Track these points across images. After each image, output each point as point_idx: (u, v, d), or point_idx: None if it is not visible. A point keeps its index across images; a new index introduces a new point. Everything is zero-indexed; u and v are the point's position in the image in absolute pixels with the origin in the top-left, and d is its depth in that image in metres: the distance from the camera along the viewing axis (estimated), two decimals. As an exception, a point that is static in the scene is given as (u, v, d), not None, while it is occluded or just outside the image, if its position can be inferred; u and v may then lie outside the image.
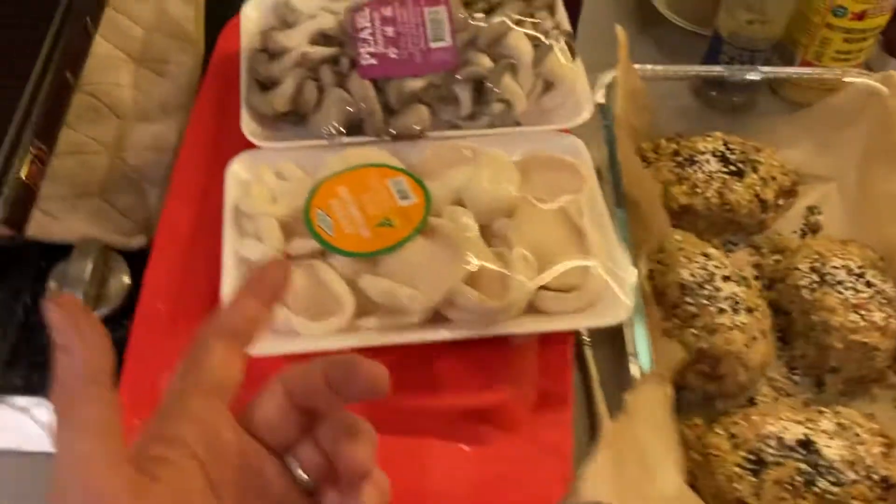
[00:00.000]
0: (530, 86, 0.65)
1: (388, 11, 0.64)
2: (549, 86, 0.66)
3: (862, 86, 0.70)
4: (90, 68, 0.66)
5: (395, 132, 0.62)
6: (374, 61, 0.63)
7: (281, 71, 0.65)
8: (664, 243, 0.62)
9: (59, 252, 0.63)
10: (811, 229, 0.72)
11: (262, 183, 0.60)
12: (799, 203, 0.72)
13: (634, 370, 0.56)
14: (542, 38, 0.64)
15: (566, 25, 0.67)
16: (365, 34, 0.63)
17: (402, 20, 0.63)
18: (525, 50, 0.64)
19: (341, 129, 0.62)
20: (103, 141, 0.66)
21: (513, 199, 0.58)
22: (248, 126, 0.62)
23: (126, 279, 0.62)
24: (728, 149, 0.70)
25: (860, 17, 0.71)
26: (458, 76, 0.63)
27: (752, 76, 0.71)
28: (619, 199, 0.62)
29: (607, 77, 0.70)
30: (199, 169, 0.66)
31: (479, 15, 0.65)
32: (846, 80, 0.70)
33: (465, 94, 0.64)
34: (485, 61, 0.63)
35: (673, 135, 0.75)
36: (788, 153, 0.74)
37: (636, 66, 0.70)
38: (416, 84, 0.63)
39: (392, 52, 0.63)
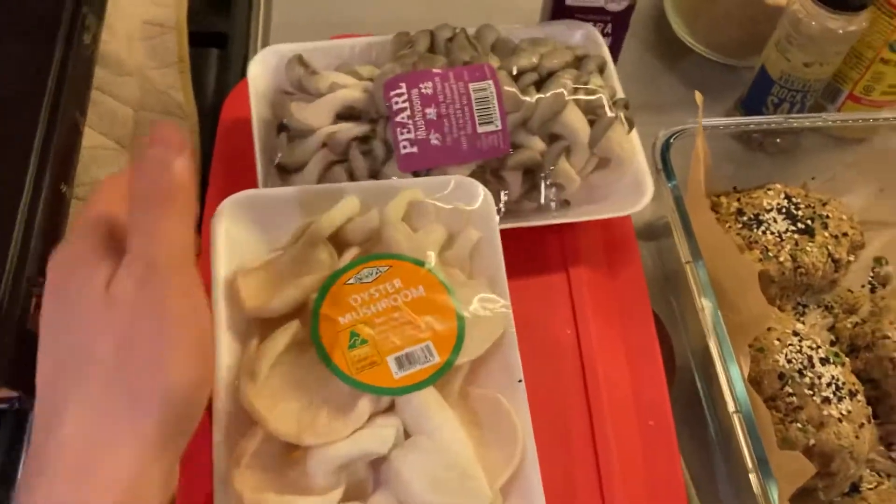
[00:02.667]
0: (583, 164, 0.58)
1: (427, 88, 0.55)
2: (603, 162, 0.59)
3: (928, 127, 0.65)
4: (79, 167, 0.56)
5: None
6: (414, 150, 0.54)
7: (304, 154, 0.56)
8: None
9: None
10: (881, 282, 0.68)
11: None
12: (864, 253, 0.68)
13: (755, 486, 0.50)
14: (605, 108, 0.57)
15: (620, 91, 0.60)
16: (403, 117, 0.54)
17: (444, 99, 0.55)
18: (581, 129, 0.56)
19: None
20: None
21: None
22: None
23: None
24: (792, 203, 0.65)
25: (918, 51, 0.67)
26: (508, 162, 0.56)
27: (817, 123, 0.65)
28: (704, 287, 0.56)
29: (663, 135, 0.63)
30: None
31: (529, 84, 0.57)
32: (914, 122, 0.65)
33: (514, 181, 0.57)
34: (537, 144, 0.56)
35: (730, 189, 0.69)
36: (848, 199, 0.69)
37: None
38: (461, 173, 0.55)
39: (435, 139, 0.54)
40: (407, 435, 0.42)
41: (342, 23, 0.80)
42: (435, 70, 0.55)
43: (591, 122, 0.57)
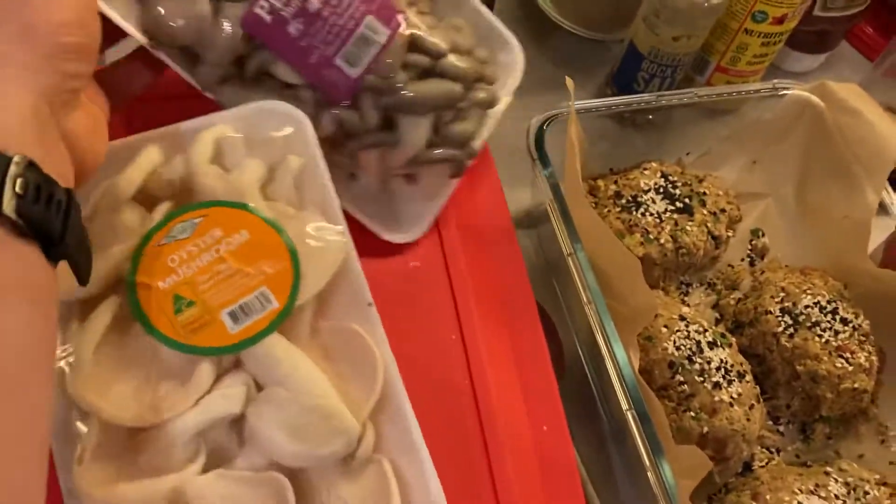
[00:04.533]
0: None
1: None
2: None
3: (795, 97, 0.65)
4: None
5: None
6: (267, 18, 0.45)
7: None
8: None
9: None
10: (758, 254, 0.68)
11: None
12: (741, 226, 0.68)
13: (654, 483, 0.49)
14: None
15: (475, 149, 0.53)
16: None
17: (335, 8, 0.46)
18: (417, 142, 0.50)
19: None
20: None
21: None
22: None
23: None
24: (669, 182, 0.64)
25: (780, 21, 0.66)
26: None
27: (688, 100, 0.64)
28: (589, 282, 0.54)
29: (535, 121, 0.61)
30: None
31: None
32: (782, 93, 0.65)
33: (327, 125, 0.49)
34: (371, 120, 0.48)
35: (606, 170, 0.68)
36: (723, 172, 0.69)
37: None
38: (286, 75, 0.47)
39: (294, 28, 0.45)
40: (260, 389, 0.39)
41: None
42: None
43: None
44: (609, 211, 0.62)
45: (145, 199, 0.42)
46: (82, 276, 0.34)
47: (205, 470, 0.38)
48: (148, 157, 0.42)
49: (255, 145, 0.43)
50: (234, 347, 0.38)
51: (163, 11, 0.43)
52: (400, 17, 0.47)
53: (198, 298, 0.38)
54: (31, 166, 0.29)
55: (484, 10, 0.55)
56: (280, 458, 0.38)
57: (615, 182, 0.64)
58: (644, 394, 0.50)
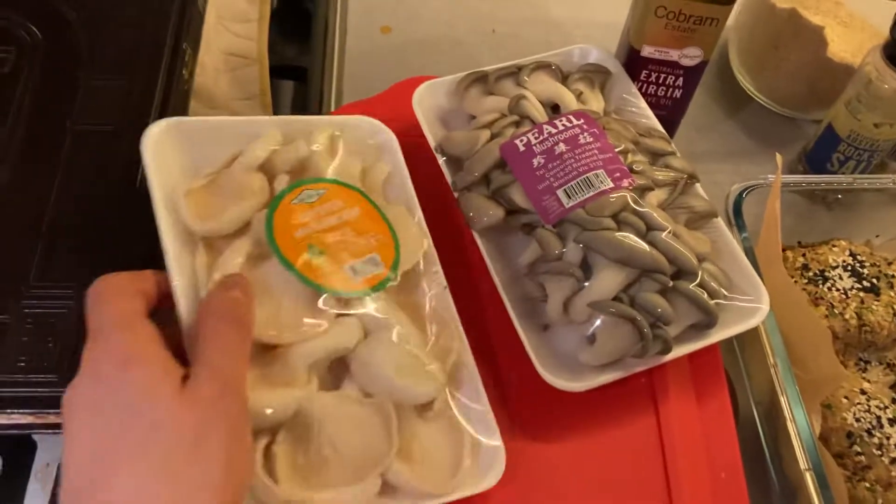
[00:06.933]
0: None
1: (585, 138, 0.56)
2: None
3: None
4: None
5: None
6: (521, 148, 0.56)
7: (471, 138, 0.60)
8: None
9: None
10: (942, 342, 0.69)
11: None
12: (924, 312, 0.69)
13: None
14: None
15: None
16: (545, 128, 0.57)
17: (575, 154, 0.55)
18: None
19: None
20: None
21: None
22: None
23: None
24: (857, 261, 0.66)
25: None
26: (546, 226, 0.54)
27: (887, 185, 0.67)
28: (776, 344, 0.57)
29: (736, 188, 0.65)
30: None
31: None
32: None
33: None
34: (572, 253, 0.53)
35: (794, 243, 0.71)
36: (909, 258, 0.70)
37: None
38: (516, 195, 0.56)
39: (537, 161, 0.55)
40: (366, 333, 0.47)
41: (410, 65, 0.82)
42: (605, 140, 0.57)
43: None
44: (796, 282, 0.65)
45: (266, 170, 0.50)
46: None
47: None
48: (274, 137, 0.51)
49: (355, 147, 0.54)
50: (358, 293, 0.46)
51: (453, 133, 0.60)
52: (627, 181, 0.55)
53: (327, 250, 0.47)
54: None
55: (742, 258, 0.56)
56: (386, 391, 0.46)
57: (803, 255, 0.67)
58: (823, 458, 0.53)
